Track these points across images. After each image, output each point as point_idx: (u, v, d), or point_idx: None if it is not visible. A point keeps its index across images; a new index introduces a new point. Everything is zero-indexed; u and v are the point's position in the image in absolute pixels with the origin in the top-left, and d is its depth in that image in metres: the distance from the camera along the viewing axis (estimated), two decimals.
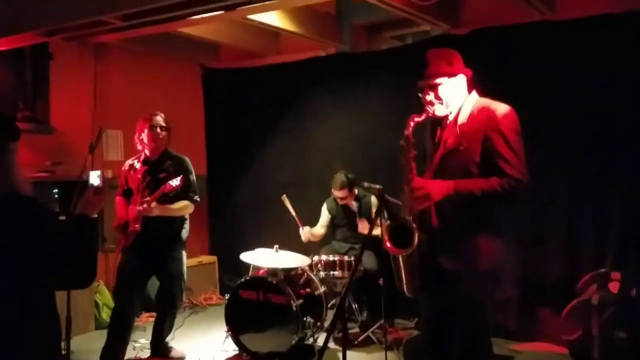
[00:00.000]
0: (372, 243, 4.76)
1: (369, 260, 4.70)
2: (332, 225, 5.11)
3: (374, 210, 4.97)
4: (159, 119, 4.04)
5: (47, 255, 1.89)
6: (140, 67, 5.86)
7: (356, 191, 4.92)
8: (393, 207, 2.87)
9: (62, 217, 4.29)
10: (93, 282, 2.61)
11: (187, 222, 4.19)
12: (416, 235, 2.45)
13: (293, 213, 4.81)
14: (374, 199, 4.98)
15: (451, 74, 2.53)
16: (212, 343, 4.58)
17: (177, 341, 4.49)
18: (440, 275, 2.49)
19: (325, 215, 5.12)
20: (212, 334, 4.82)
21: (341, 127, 5.58)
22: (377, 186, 4.62)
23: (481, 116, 2.46)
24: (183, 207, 4.03)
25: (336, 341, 4.48)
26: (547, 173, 4.31)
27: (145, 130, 3.96)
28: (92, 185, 2.54)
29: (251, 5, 3.62)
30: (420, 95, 2.60)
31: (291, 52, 5.90)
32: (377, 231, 4.32)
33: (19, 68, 5.14)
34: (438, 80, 2.52)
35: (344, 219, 5.00)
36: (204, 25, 4.98)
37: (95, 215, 2.22)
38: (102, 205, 2.27)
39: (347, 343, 4.21)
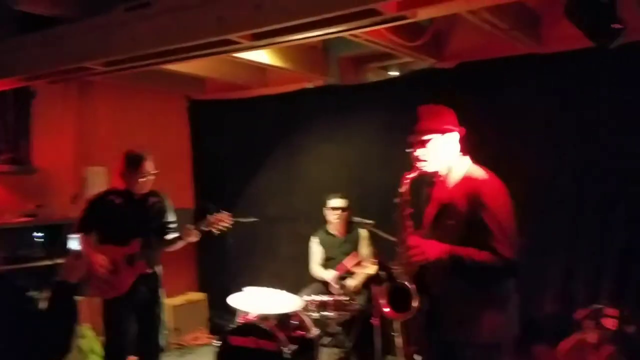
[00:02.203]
0: (365, 283, 4.72)
1: (359, 299, 4.62)
2: (325, 261, 5.02)
3: (362, 243, 4.92)
4: (148, 167, 3.79)
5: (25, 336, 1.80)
6: (125, 101, 5.77)
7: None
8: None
9: (47, 262, 4.17)
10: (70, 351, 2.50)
11: None
12: (415, 299, 2.38)
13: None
14: (363, 232, 4.93)
15: (442, 131, 2.52)
16: None
17: None
18: (440, 344, 2.44)
19: (317, 251, 5.04)
20: None
21: (330, 159, 5.53)
22: (369, 221, 4.60)
23: (464, 185, 2.47)
24: None
25: None
26: (539, 207, 4.29)
27: (129, 176, 3.76)
28: (71, 250, 2.45)
29: (237, 47, 3.55)
30: (408, 150, 2.60)
31: (278, 84, 5.85)
32: (369, 269, 4.32)
33: (1, 107, 5.03)
34: (427, 137, 2.52)
35: (335, 251, 4.92)
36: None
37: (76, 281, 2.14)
38: (84, 271, 2.18)
39: None
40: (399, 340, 2.55)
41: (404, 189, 2.53)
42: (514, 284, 2.57)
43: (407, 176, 2.54)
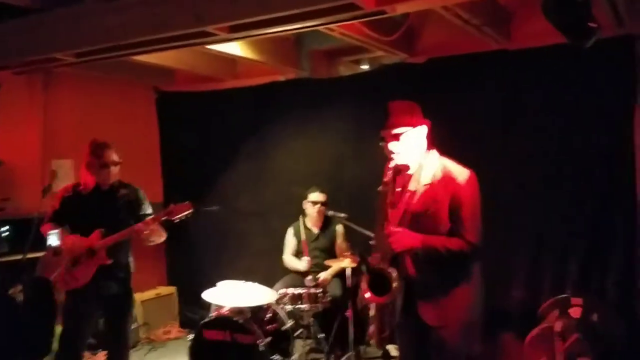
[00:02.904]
0: (337, 275, 4.77)
1: (334, 287, 4.67)
2: (295, 252, 5.05)
3: (338, 240, 4.96)
4: (111, 155, 3.68)
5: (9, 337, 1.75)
6: (91, 92, 5.64)
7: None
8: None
9: (16, 258, 4.06)
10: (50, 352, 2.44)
11: None
12: (396, 282, 2.47)
13: None
14: (339, 228, 4.97)
15: (413, 125, 2.62)
16: None
17: None
18: (414, 326, 2.56)
19: (291, 242, 5.06)
20: None
21: (302, 152, 5.54)
22: (342, 214, 4.64)
23: (446, 183, 2.60)
24: None
25: None
26: (507, 199, 4.40)
27: (94, 167, 3.63)
28: (50, 246, 2.39)
29: (212, 39, 3.52)
30: (381, 144, 2.67)
31: (249, 76, 5.81)
32: (344, 262, 4.36)
33: None
34: (400, 130, 2.61)
35: (309, 244, 4.94)
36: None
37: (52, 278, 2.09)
38: (60, 267, 2.14)
39: None
40: (372, 328, 2.64)
41: (387, 178, 2.61)
42: (480, 269, 2.73)
43: (389, 166, 2.62)
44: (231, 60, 5.60)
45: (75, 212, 3.64)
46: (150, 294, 5.80)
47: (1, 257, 4.42)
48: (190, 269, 6.02)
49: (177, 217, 3.60)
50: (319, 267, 4.82)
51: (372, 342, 2.72)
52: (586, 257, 4.29)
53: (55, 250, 2.04)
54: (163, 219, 3.61)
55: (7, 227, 4.51)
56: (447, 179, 2.60)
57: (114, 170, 3.72)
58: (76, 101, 5.50)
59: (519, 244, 4.55)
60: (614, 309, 4.12)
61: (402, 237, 2.52)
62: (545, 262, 4.47)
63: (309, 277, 4.58)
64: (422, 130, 2.66)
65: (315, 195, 4.93)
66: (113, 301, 3.66)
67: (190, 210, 3.63)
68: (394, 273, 2.50)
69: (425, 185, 2.60)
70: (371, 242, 2.71)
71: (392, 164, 2.62)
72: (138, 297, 5.63)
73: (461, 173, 2.62)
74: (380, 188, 2.63)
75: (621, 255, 4.16)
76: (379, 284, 2.51)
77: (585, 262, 4.29)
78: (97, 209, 3.64)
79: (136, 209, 3.73)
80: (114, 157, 3.71)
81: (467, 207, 2.55)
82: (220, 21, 3.14)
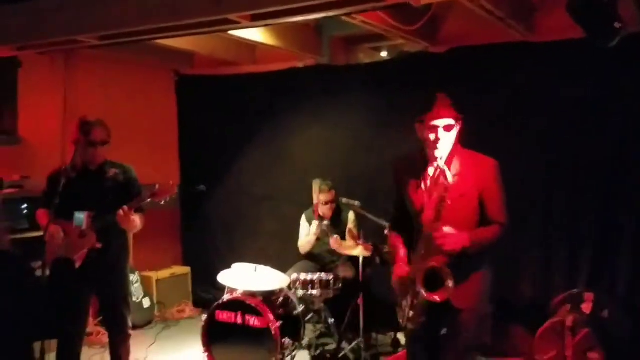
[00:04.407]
0: (350, 257, 4.80)
1: (346, 269, 4.70)
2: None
3: (350, 226, 4.98)
4: (100, 133, 3.50)
5: (28, 310, 1.80)
6: (112, 73, 5.69)
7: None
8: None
9: (35, 234, 4.09)
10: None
11: None
12: (451, 280, 2.54)
13: None
14: (351, 215, 4.99)
15: (458, 118, 2.69)
16: None
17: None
18: (438, 311, 2.67)
19: (305, 227, 5.09)
20: (187, 351, 4.74)
21: (318, 140, 5.55)
22: (356, 202, 4.65)
23: (478, 170, 2.70)
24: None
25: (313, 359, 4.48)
26: (520, 193, 4.38)
27: (81, 145, 3.43)
28: (77, 227, 2.40)
29: (234, 26, 3.53)
30: (422, 131, 2.70)
31: (268, 62, 5.82)
32: (356, 250, 4.39)
33: None
34: (450, 122, 2.66)
35: (322, 235, 4.97)
36: None
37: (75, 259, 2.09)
38: (84, 249, 2.15)
39: None
40: (404, 311, 2.78)
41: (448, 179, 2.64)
42: (490, 258, 2.83)
43: (436, 155, 2.67)
44: (251, 46, 5.61)
45: (62, 193, 3.30)
46: (165, 273, 5.90)
47: (21, 233, 4.51)
48: (204, 250, 6.10)
49: (162, 198, 3.42)
50: (331, 253, 4.85)
51: (407, 324, 2.80)
52: (598, 253, 4.29)
53: (82, 233, 2.06)
54: (147, 201, 3.42)
55: (26, 205, 4.59)
56: (475, 168, 2.70)
57: (102, 149, 3.54)
58: (97, 81, 5.55)
59: (531, 239, 4.55)
60: (624, 305, 4.12)
61: (453, 238, 2.58)
62: (556, 257, 4.48)
63: (335, 236, 4.60)
64: (460, 126, 2.73)
65: (324, 197, 4.84)
66: (106, 285, 3.54)
67: (174, 192, 3.46)
68: (447, 271, 2.56)
69: (455, 175, 2.66)
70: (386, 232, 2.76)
71: (438, 154, 2.66)
72: (153, 276, 5.74)
73: (488, 161, 2.74)
74: (442, 193, 2.64)
75: (630, 251, 4.16)
76: (430, 280, 2.60)
77: (597, 257, 4.29)
78: (84, 190, 3.46)
79: (126, 190, 3.54)
80: (104, 135, 3.53)
81: (497, 192, 2.71)
82: (243, 9, 3.14)
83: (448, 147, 2.68)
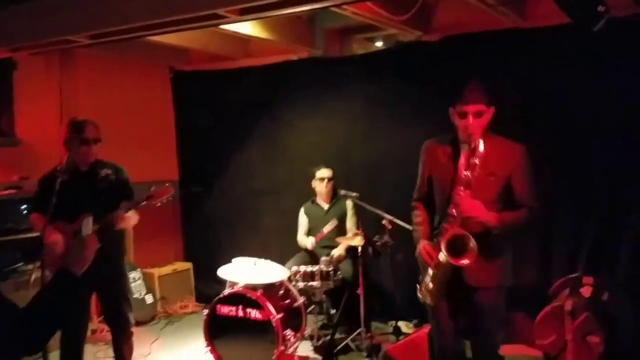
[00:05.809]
0: (348, 252, 4.83)
1: (345, 269, 4.73)
2: (308, 231, 5.12)
3: (348, 214, 5.01)
4: (92, 131, 3.49)
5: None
6: (108, 71, 5.71)
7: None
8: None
9: (35, 235, 4.10)
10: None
11: None
12: (472, 242, 2.60)
13: None
14: (348, 203, 5.01)
15: (489, 104, 2.74)
16: (191, 356, 4.55)
17: (154, 355, 4.44)
18: (461, 288, 2.78)
19: (303, 221, 5.13)
20: (190, 346, 4.77)
21: (315, 132, 5.56)
22: (354, 194, 4.68)
23: (506, 154, 2.79)
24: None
25: (315, 350, 4.51)
26: None
27: (74, 143, 3.40)
28: (78, 233, 2.34)
29: (223, 20, 3.54)
30: (454, 117, 2.77)
31: (262, 55, 5.83)
32: (354, 241, 4.41)
33: None
34: (481, 108, 2.70)
35: (319, 221, 5.00)
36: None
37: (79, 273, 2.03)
38: (90, 261, 2.11)
39: (327, 352, 4.26)
40: (426, 287, 2.85)
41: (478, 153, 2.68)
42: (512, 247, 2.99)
43: (477, 144, 2.68)
44: (244, 40, 5.60)
45: (54, 195, 3.12)
46: (167, 269, 5.94)
47: (21, 234, 4.55)
48: (205, 245, 6.13)
49: (158, 200, 3.41)
50: (331, 242, 4.88)
51: (426, 299, 2.90)
52: (597, 237, 4.29)
53: (84, 240, 2.03)
54: (143, 203, 3.40)
55: (26, 205, 4.62)
56: (504, 152, 2.77)
57: (95, 147, 3.52)
58: (93, 80, 5.56)
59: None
60: (624, 289, 4.13)
61: (473, 204, 2.64)
62: (556, 242, 4.49)
63: (324, 258, 4.64)
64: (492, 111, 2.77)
65: (322, 172, 5.03)
66: (104, 280, 3.52)
67: (171, 193, 3.47)
68: (467, 235, 2.62)
69: (485, 157, 2.69)
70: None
71: (468, 139, 2.69)
72: (155, 272, 5.78)
73: (516, 146, 2.81)
74: (475, 172, 2.67)
75: (630, 237, 4.16)
76: (453, 248, 2.65)
77: (597, 241, 4.29)
78: (79, 192, 3.41)
79: (119, 189, 3.54)
80: (96, 132, 3.51)
81: (526, 175, 2.78)
82: (230, 3, 3.14)
83: (478, 132, 2.71)
